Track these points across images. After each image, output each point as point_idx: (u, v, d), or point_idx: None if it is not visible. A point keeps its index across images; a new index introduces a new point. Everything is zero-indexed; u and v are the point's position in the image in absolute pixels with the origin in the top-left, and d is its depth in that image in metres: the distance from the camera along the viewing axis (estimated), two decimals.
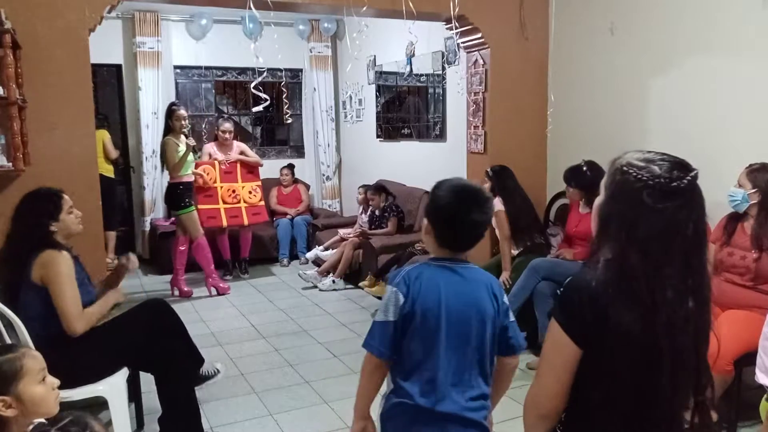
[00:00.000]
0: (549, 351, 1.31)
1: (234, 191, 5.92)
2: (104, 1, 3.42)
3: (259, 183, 6.11)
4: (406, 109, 6.38)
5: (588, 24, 4.16)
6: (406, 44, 5.86)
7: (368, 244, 5.49)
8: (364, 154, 7.20)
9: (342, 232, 6.09)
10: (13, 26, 3.03)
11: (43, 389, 1.60)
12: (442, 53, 5.54)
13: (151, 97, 6.54)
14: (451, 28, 4.32)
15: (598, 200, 1.34)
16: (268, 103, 3.95)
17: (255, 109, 3.62)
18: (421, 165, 6.00)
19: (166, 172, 5.54)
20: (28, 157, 3.25)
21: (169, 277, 5.53)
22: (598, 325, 1.23)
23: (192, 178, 5.38)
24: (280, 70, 7.31)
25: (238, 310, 5.04)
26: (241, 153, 6.05)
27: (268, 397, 3.41)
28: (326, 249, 6.02)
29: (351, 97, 7.41)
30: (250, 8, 3.35)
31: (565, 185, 3.93)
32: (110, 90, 6.84)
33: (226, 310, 5.06)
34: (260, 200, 6.07)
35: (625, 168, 1.25)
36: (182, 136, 5.24)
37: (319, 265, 5.84)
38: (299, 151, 7.83)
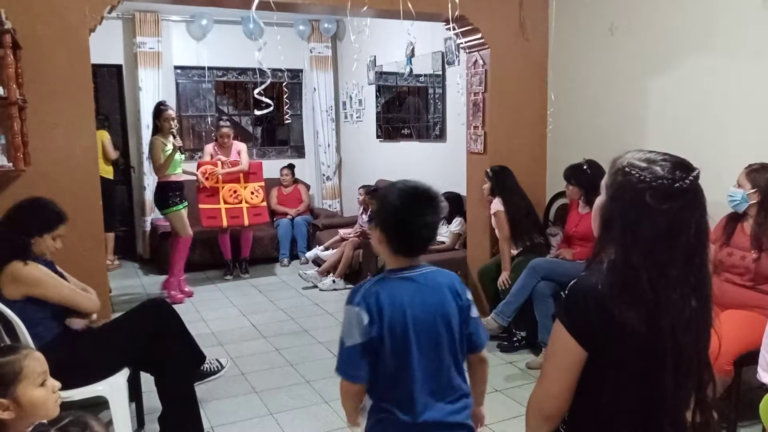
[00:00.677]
0: (554, 352, 1.31)
1: (236, 191, 5.92)
2: (104, 1, 3.42)
3: (262, 184, 6.11)
4: (406, 110, 6.38)
5: (588, 24, 4.16)
6: (406, 44, 5.87)
7: (368, 244, 5.48)
8: (364, 155, 7.21)
9: (342, 232, 6.09)
10: (13, 26, 3.04)
11: (42, 392, 1.58)
12: (442, 53, 5.54)
13: (152, 97, 6.54)
14: (451, 29, 4.33)
15: (599, 201, 1.34)
16: (271, 108, 3.96)
17: (258, 113, 3.63)
18: (421, 165, 6.00)
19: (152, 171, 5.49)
20: (28, 157, 3.25)
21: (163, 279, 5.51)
22: (604, 327, 1.23)
23: (180, 178, 5.29)
24: (281, 70, 7.32)
25: (239, 309, 5.05)
26: (239, 153, 6.03)
27: (268, 396, 3.41)
28: (326, 249, 6.03)
29: (351, 98, 7.41)
30: (254, 8, 3.35)
31: (565, 183, 3.94)
32: (111, 90, 6.85)
33: (226, 309, 5.06)
34: (262, 201, 6.06)
35: (627, 169, 1.25)
36: (170, 136, 5.17)
37: (319, 265, 5.85)
38: (299, 152, 7.84)
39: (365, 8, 3.84)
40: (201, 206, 5.78)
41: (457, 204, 5.17)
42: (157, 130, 5.20)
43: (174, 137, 5.21)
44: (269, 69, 3.71)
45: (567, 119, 4.37)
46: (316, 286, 5.61)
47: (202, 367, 3.10)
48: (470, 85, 4.61)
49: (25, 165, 3.19)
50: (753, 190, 2.85)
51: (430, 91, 5.85)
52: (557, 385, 1.28)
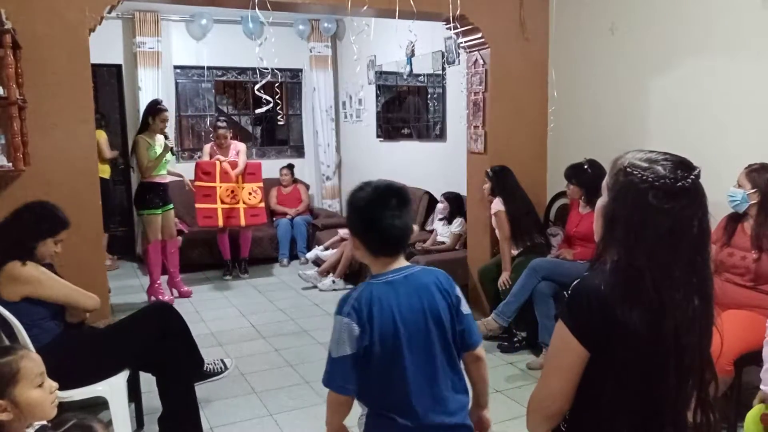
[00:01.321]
0: (556, 353, 1.31)
1: (233, 191, 5.88)
2: (104, 1, 3.41)
3: (261, 184, 6.06)
4: (406, 109, 6.38)
5: (588, 24, 4.16)
6: (406, 44, 5.86)
7: None
8: (364, 154, 7.20)
9: (342, 232, 6.08)
10: (13, 26, 3.03)
11: (39, 393, 1.58)
12: (442, 53, 5.54)
13: (151, 97, 6.48)
14: (451, 28, 4.33)
15: (601, 201, 1.34)
16: (271, 105, 3.94)
17: (258, 111, 3.61)
18: (421, 165, 6.00)
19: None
20: (28, 157, 3.24)
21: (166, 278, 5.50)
22: (606, 328, 1.23)
23: (165, 179, 5.14)
24: (280, 69, 7.31)
25: (238, 310, 5.04)
26: (238, 153, 6.01)
27: (268, 397, 3.41)
28: (326, 249, 6.02)
29: (351, 97, 7.41)
30: (256, 7, 3.34)
31: (566, 183, 3.93)
32: (110, 90, 6.84)
33: (225, 310, 5.06)
34: (260, 201, 6.01)
35: (628, 169, 1.25)
36: (158, 136, 5.04)
37: (319, 265, 5.84)
38: (299, 151, 7.84)
39: (365, 8, 3.84)
40: (197, 206, 5.77)
41: (457, 204, 5.16)
42: (146, 128, 5.05)
43: (167, 138, 5.12)
44: (269, 68, 3.70)
45: (567, 119, 4.36)
46: (315, 287, 5.60)
47: (205, 367, 3.10)
48: (470, 85, 4.60)
49: (25, 165, 3.19)
50: (753, 190, 2.85)
51: (430, 90, 5.85)
52: (559, 384, 1.28)
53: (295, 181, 7.13)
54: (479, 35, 4.31)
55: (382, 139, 6.76)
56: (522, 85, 4.46)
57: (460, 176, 4.89)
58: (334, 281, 5.57)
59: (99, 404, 2.74)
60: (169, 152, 5.05)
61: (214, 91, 7.38)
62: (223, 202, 5.83)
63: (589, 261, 1.36)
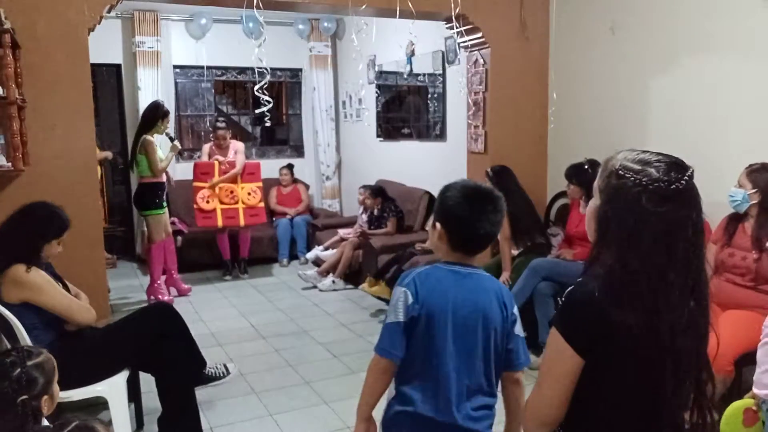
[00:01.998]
0: (550, 360, 1.29)
1: (232, 192, 5.89)
2: (103, 0, 3.41)
3: (260, 184, 6.07)
4: (406, 109, 6.37)
5: (588, 24, 4.15)
6: (406, 44, 5.86)
7: (368, 244, 5.48)
8: (364, 154, 7.20)
9: (342, 232, 6.08)
10: (12, 26, 3.03)
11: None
12: (442, 53, 5.53)
13: (151, 96, 6.51)
14: (451, 28, 4.32)
15: (593, 204, 1.32)
16: (271, 105, 3.94)
17: (259, 111, 3.61)
18: (421, 165, 5.99)
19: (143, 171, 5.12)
20: (28, 157, 3.24)
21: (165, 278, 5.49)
22: (601, 334, 1.21)
23: (163, 179, 5.15)
24: (280, 69, 7.32)
25: (238, 310, 5.04)
26: (235, 152, 6.01)
27: (267, 397, 3.40)
28: (326, 249, 6.01)
29: (351, 97, 7.40)
30: (257, 6, 3.34)
31: (566, 183, 3.93)
32: (109, 90, 6.83)
33: (225, 310, 5.05)
34: (259, 202, 6.02)
35: (620, 172, 1.23)
36: (156, 135, 5.05)
37: (318, 266, 5.83)
38: (299, 151, 7.83)
39: (365, 7, 3.84)
40: (196, 206, 5.76)
41: None
42: (150, 128, 5.04)
43: (172, 140, 5.15)
44: (269, 68, 3.70)
45: (568, 118, 4.36)
46: (315, 287, 5.60)
47: (206, 371, 3.09)
48: (470, 85, 4.60)
49: (24, 165, 3.18)
50: (753, 191, 2.85)
51: (430, 90, 5.84)
52: (553, 392, 1.27)
53: (295, 180, 7.13)
54: (479, 35, 4.31)
55: (382, 139, 6.76)
56: (522, 85, 4.45)
57: (460, 176, 4.88)
58: (334, 281, 5.57)
59: (99, 404, 2.74)
60: (177, 154, 5.15)
61: (213, 90, 7.38)
62: (222, 202, 5.84)
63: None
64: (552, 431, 1.32)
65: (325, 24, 7.23)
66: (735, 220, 2.97)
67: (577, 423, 1.30)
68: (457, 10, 3.97)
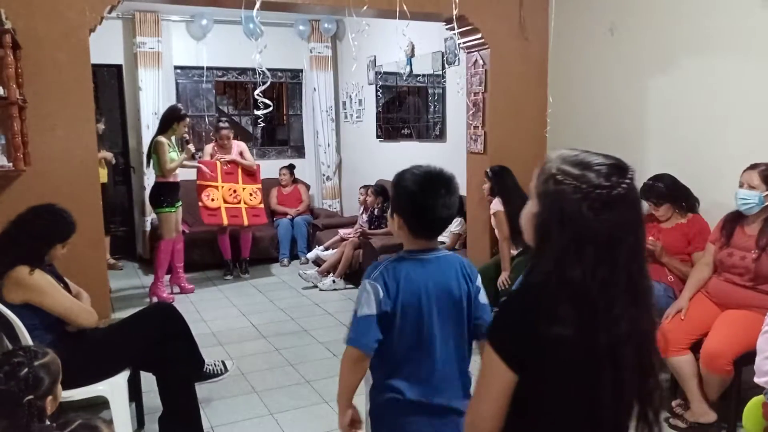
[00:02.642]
0: (484, 374, 1.23)
1: (235, 191, 5.94)
2: (104, 1, 3.41)
3: (259, 186, 6.13)
4: (406, 110, 6.38)
5: (588, 24, 4.16)
6: (406, 44, 5.86)
7: (368, 244, 5.49)
8: (364, 154, 7.21)
9: (342, 232, 6.09)
10: (13, 26, 3.04)
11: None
12: (442, 53, 5.54)
13: (152, 97, 6.55)
14: (451, 29, 4.32)
15: (528, 209, 1.24)
16: (271, 108, 3.95)
17: (259, 113, 3.62)
18: None
19: (151, 170, 5.46)
20: (28, 157, 3.24)
21: (167, 277, 5.51)
22: (536, 348, 1.15)
23: (177, 178, 5.26)
24: (280, 70, 7.33)
25: (239, 309, 5.05)
26: (240, 153, 6.05)
27: (268, 396, 3.41)
28: (326, 249, 6.03)
29: (351, 98, 7.41)
30: (255, 7, 3.34)
31: None
32: (110, 90, 6.84)
33: (226, 309, 5.06)
34: (260, 203, 6.08)
35: (558, 177, 1.14)
36: (178, 140, 5.22)
37: (319, 265, 5.85)
38: (299, 151, 7.84)
39: (365, 8, 3.85)
40: (201, 203, 5.79)
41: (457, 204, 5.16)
42: (165, 130, 5.17)
43: (187, 142, 5.30)
44: (268, 68, 3.70)
45: (567, 119, 4.37)
46: (316, 286, 5.61)
47: (205, 368, 3.10)
48: (470, 85, 4.61)
49: (25, 165, 3.19)
50: None
51: (430, 91, 5.85)
52: (489, 406, 1.21)
53: (296, 181, 7.14)
54: (479, 35, 4.32)
55: (382, 140, 6.76)
56: (522, 85, 4.46)
57: (460, 176, 4.86)
58: (334, 281, 5.58)
59: (100, 404, 2.75)
60: (191, 157, 5.34)
61: (214, 91, 7.39)
62: (225, 202, 5.87)
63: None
64: None
65: (326, 25, 7.24)
66: (732, 220, 2.95)
67: None
68: (457, 11, 3.98)
